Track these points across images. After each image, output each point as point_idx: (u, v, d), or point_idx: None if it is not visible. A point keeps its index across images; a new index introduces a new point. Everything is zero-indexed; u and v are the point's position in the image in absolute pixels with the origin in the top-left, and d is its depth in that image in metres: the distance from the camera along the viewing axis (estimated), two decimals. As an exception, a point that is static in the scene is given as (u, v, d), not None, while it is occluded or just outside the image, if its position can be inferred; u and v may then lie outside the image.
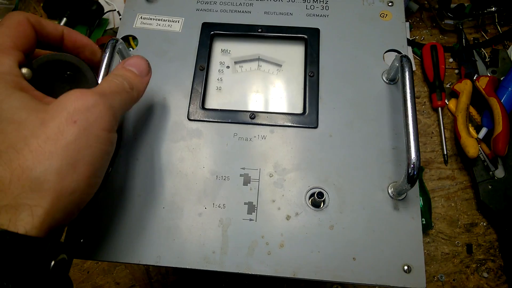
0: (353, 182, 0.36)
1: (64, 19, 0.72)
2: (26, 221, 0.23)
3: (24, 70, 0.28)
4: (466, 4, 0.71)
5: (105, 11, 0.74)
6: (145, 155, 0.37)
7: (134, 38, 0.43)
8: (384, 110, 0.39)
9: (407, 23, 0.73)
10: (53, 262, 0.24)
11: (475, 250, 0.58)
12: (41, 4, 0.76)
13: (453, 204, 0.61)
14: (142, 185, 0.36)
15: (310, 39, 0.42)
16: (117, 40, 0.37)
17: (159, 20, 0.43)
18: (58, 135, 0.25)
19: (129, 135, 0.38)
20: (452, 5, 0.71)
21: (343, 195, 0.35)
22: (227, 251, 0.33)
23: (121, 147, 0.37)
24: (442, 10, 0.70)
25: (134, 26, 0.43)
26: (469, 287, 0.57)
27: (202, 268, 0.33)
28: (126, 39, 0.42)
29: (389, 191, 0.35)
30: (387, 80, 0.40)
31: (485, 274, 0.57)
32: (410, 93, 0.34)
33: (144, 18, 0.43)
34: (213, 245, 0.34)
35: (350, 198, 0.35)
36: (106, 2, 0.76)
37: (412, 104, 0.34)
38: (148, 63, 0.34)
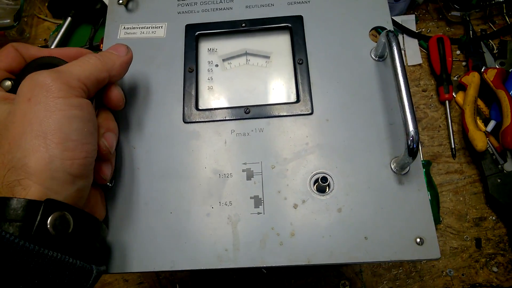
0: (355, 162, 0.36)
1: (69, 18, 0.72)
2: (20, 193, 0.27)
3: (6, 83, 0.34)
4: None
5: None
6: (146, 164, 0.37)
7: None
8: (376, 87, 0.39)
9: (413, 16, 0.72)
10: (50, 218, 0.26)
11: (484, 244, 0.58)
12: (46, 4, 0.76)
13: (461, 198, 0.61)
14: (147, 194, 0.36)
15: (294, 27, 0.42)
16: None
17: (142, 28, 0.43)
18: (21, 117, 0.28)
19: (128, 145, 0.38)
20: None
21: (347, 177, 0.36)
22: (239, 247, 0.34)
23: (121, 158, 0.37)
24: (448, 2, 0.69)
25: (118, 37, 0.43)
26: (478, 281, 0.56)
27: (216, 267, 0.33)
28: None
29: (392, 167, 0.36)
30: (375, 57, 0.40)
31: (495, 269, 0.57)
32: (400, 67, 0.34)
33: (127, 28, 0.43)
34: (225, 243, 0.34)
35: (354, 179, 0.35)
36: None
37: (403, 78, 0.34)
38: (127, 46, 0.37)
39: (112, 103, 0.36)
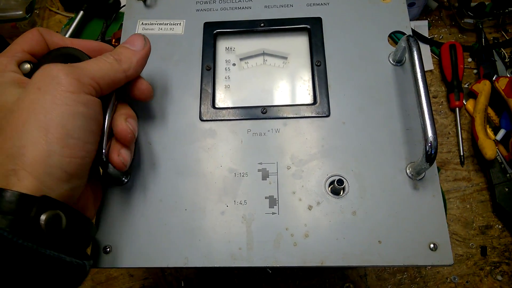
0: (370, 166, 0.36)
1: (81, 12, 0.72)
2: (14, 184, 0.26)
3: (25, 66, 0.33)
4: (486, 3, 0.69)
5: (121, 5, 0.74)
6: (162, 160, 0.37)
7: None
8: (394, 92, 0.39)
9: (426, 21, 0.72)
10: (43, 216, 0.26)
11: (489, 252, 0.58)
12: None
13: (468, 206, 0.61)
14: (162, 190, 0.36)
15: (313, 29, 0.42)
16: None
17: (160, 24, 0.43)
18: (27, 104, 0.28)
19: (144, 141, 0.38)
20: (473, 4, 0.69)
21: (362, 180, 0.36)
22: (253, 246, 0.34)
23: (137, 154, 0.37)
24: (462, 9, 0.69)
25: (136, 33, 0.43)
26: (482, 289, 0.56)
27: (230, 266, 0.33)
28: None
29: (408, 172, 0.36)
30: (393, 62, 0.40)
31: (499, 277, 0.57)
32: (421, 72, 0.34)
33: (145, 24, 0.43)
34: (239, 241, 0.34)
35: (370, 182, 0.35)
36: None
37: (423, 84, 0.34)
38: (144, 37, 0.36)
39: (142, 95, 0.36)
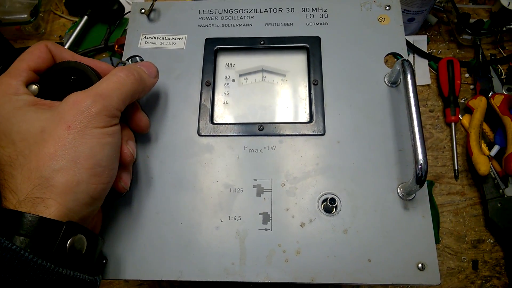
0: (363, 185, 0.37)
1: (85, 17, 0.73)
2: (42, 212, 0.27)
3: (32, 87, 0.33)
4: (485, 20, 0.70)
5: (125, 12, 0.75)
6: (159, 173, 0.38)
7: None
8: (388, 113, 0.40)
9: (425, 36, 0.73)
10: (70, 240, 0.28)
11: (480, 266, 0.59)
12: (63, 1, 0.77)
13: (461, 220, 0.62)
14: (159, 203, 0.37)
15: (311, 48, 0.43)
16: (124, 63, 0.38)
17: (163, 38, 0.44)
18: (56, 139, 0.29)
19: (142, 154, 0.39)
20: (471, 20, 0.70)
21: (354, 199, 0.36)
22: (245, 262, 0.35)
23: (135, 167, 0.38)
24: (460, 25, 0.70)
25: (139, 46, 0.44)
26: (473, 303, 0.57)
27: (223, 280, 0.34)
28: (132, 60, 0.43)
29: (399, 192, 0.37)
30: (389, 83, 0.41)
31: None
32: (413, 96, 0.35)
33: (148, 38, 0.44)
34: (232, 256, 0.35)
35: (362, 201, 0.36)
36: (128, 2, 0.77)
37: (416, 108, 0.35)
38: (157, 69, 0.38)
39: (140, 129, 0.37)
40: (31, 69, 0.33)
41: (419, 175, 0.33)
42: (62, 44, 0.71)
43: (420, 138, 0.33)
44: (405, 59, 0.37)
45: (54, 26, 0.78)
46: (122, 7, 0.73)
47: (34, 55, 0.34)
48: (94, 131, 0.30)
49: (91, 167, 0.29)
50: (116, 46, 0.70)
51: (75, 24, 0.74)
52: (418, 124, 0.34)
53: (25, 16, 0.72)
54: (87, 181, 0.29)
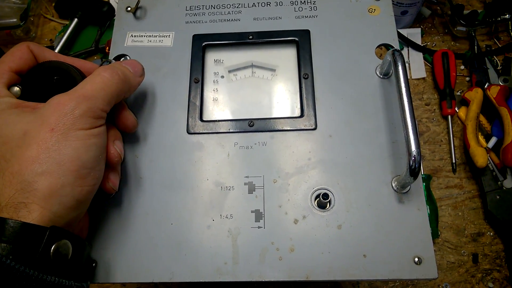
0: (357, 179, 0.36)
1: (75, 19, 0.73)
2: (25, 217, 0.26)
3: (14, 89, 0.33)
4: (479, 11, 0.70)
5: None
6: (148, 173, 0.37)
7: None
8: (380, 105, 0.39)
9: (419, 29, 0.72)
10: (54, 246, 0.27)
11: (481, 260, 0.58)
12: (53, 4, 0.77)
13: (460, 213, 0.61)
14: (149, 203, 0.36)
15: (301, 41, 0.42)
16: (110, 62, 0.37)
17: (149, 36, 0.43)
18: (38, 142, 0.28)
19: (131, 154, 0.38)
20: (465, 12, 0.69)
21: (348, 194, 0.36)
22: (238, 261, 0.34)
23: (124, 167, 0.38)
24: (454, 17, 0.69)
25: (125, 45, 0.43)
26: (474, 297, 0.56)
27: (215, 280, 0.33)
28: (118, 58, 0.42)
29: (393, 185, 0.36)
30: (380, 75, 0.40)
31: (491, 284, 0.57)
32: (405, 87, 0.34)
33: (134, 36, 0.44)
34: (224, 256, 0.34)
35: (355, 196, 0.36)
36: (116, 2, 0.76)
37: (408, 98, 0.34)
38: (142, 67, 0.37)
39: (127, 129, 0.36)
40: (12, 70, 0.33)
41: (413, 167, 0.32)
42: (53, 47, 0.71)
43: (412, 129, 0.33)
44: (395, 49, 0.37)
45: (44, 30, 0.77)
46: (112, 9, 0.73)
47: (15, 56, 0.33)
48: (79, 133, 0.29)
49: (76, 170, 0.29)
50: (107, 48, 0.69)
51: (66, 27, 0.73)
52: (410, 114, 0.33)
53: (15, 20, 0.72)
54: (72, 184, 0.28)
